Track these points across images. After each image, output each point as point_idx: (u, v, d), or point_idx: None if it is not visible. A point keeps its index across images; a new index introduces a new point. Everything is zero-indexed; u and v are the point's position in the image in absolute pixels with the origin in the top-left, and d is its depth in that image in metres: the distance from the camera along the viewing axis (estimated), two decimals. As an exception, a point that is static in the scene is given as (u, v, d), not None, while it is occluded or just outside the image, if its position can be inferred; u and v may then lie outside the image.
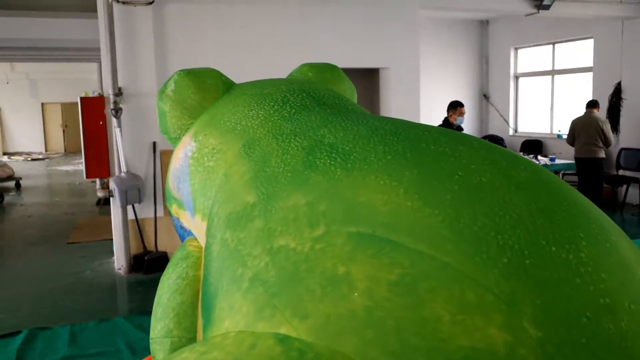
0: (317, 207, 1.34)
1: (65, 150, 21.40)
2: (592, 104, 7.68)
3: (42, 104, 21.20)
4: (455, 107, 6.02)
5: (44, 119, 21.42)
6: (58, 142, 21.57)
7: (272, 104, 2.04)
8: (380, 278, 1.14)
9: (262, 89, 2.22)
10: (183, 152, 2.22)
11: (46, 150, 21.31)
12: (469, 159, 1.38)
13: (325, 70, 2.66)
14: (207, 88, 2.37)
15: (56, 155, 20.32)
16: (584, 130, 7.51)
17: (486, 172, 1.33)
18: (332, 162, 1.46)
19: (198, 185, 2.01)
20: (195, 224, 2.03)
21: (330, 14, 6.45)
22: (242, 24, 6.07)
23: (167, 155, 5.65)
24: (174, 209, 2.36)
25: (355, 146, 1.49)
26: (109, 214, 5.93)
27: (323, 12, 6.42)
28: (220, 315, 1.39)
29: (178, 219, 2.32)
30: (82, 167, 5.95)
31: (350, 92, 2.65)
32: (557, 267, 1.13)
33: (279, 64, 5.85)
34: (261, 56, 6.10)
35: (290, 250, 1.30)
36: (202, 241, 1.94)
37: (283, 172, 1.54)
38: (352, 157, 1.45)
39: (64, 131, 21.46)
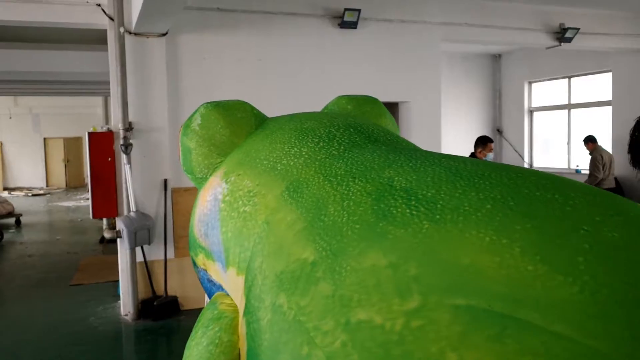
0: (406, 270, 1.08)
1: (66, 186, 21.32)
2: (595, 139, 8.31)
3: (45, 138, 21.14)
4: (484, 142, 5.73)
5: (45, 154, 21.34)
6: (59, 177, 21.52)
7: (317, 140, 1.80)
8: (508, 369, 0.87)
9: (302, 123, 1.97)
10: (212, 195, 1.96)
11: (47, 186, 21.21)
12: (589, 208, 1.12)
13: (366, 103, 2.43)
14: (238, 122, 2.14)
15: (57, 191, 20.16)
16: (609, 163, 8.10)
17: (615, 225, 1.07)
18: (414, 212, 1.19)
19: (232, 234, 1.76)
20: (229, 278, 1.77)
21: (349, 47, 6.26)
22: (258, 56, 5.87)
23: (178, 193, 5.39)
24: (200, 259, 2.08)
25: (438, 192, 1.23)
26: (113, 252, 5.62)
27: (342, 46, 6.24)
28: (280, 407, 1.11)
29: (205, 270, 2.05)
30: (86, 203, 5.69)
31: (392, 127, 2.41)
32: None
33: (296, 97, 5.66)
34: (278, 90, 5.89)
35: (376, 328, 1.03)
36: (237, 299, 1.67)
37: (348, 223, 1.28)
38: (438, 205, 1.18)
39: (65, 166, 21.42)
